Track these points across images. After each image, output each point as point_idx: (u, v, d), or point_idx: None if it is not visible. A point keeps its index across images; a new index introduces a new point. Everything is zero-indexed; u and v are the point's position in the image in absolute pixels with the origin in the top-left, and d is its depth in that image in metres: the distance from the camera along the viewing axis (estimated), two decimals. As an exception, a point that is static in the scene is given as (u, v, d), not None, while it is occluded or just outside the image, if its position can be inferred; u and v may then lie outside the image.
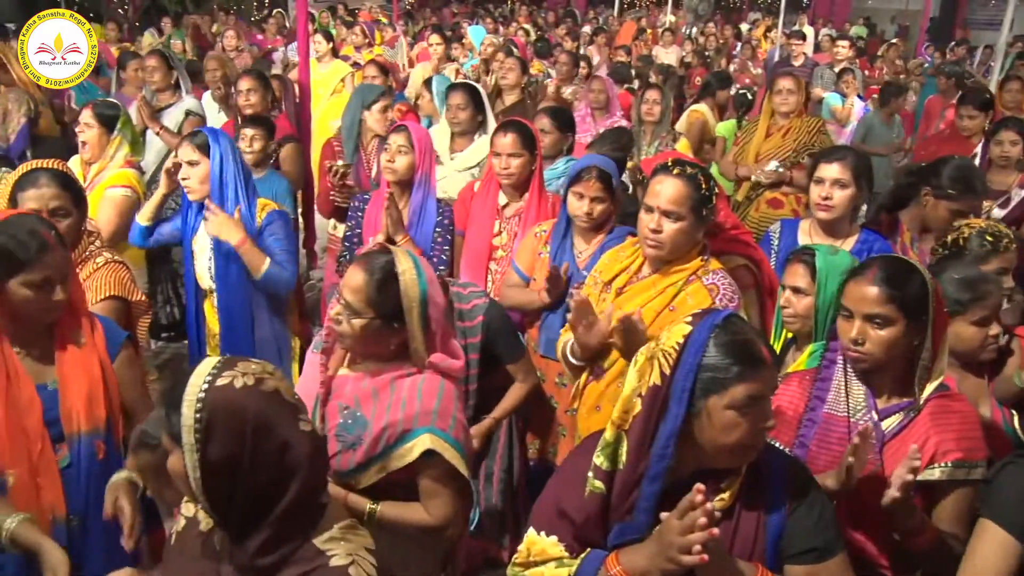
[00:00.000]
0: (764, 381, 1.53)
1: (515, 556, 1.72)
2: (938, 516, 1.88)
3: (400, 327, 1.98)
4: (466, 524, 2.30)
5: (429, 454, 1.95)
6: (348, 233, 3.59)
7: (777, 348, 2.58)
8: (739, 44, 13.09)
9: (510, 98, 5.68)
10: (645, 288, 2.48)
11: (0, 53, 5.80)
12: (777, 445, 1.87)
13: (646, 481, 1.54)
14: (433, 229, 3.42)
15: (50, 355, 2.14)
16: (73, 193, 2.62)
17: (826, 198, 3.01)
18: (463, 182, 4.06)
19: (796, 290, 2.41)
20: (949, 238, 2.74)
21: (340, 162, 3.97)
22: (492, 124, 4.30)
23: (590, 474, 1.60)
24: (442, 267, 3.39)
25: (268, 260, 3.10)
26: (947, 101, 6.70)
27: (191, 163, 3.11)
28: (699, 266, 2.45)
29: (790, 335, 2.57)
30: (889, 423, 1.93)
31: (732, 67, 10.32)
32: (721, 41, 12.97)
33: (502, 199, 3.48)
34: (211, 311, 3.28)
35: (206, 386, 1.35)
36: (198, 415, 1.34)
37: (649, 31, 13.47)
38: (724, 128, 6.01)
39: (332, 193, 3.90)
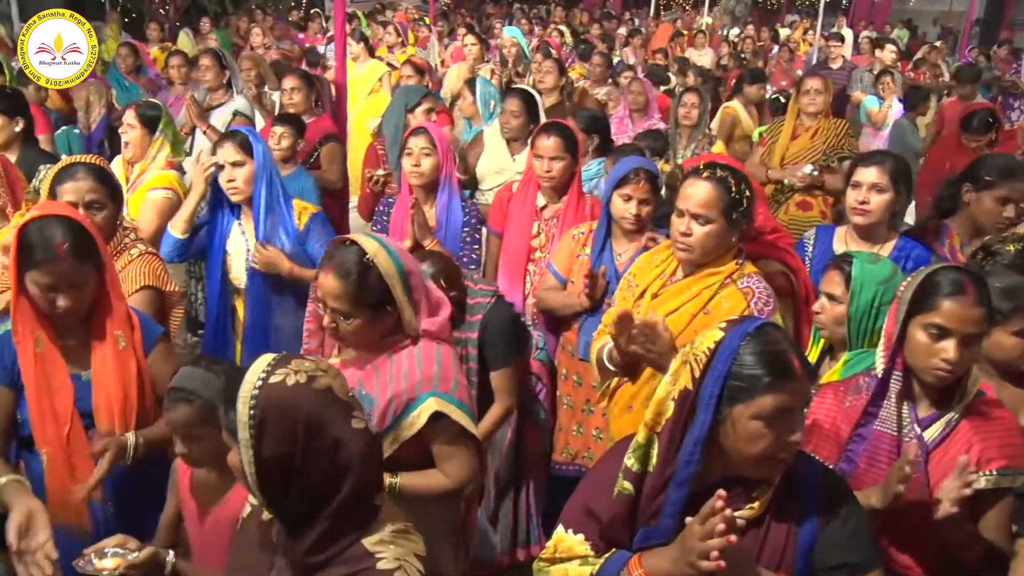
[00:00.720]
0: (793, 393, 1.50)
1: (543, 551, 1.73)
2: (983, 526, 1.85)
3: (393, 309, 2.02)
4: (479, 483, 2.36)
5: (437, 417, 2.01)
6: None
7: (813, 357, 2.55)
8: (776, 46, 12.96)
9: (548, 100, 5.67)
10: (679, 292, 2.46)
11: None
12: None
13: (672, 486, 1.54)
14: (461, 229, 3.43)
15: (86, 346, 2.20)
16: (109, 187, 2.70)
17: (863, 203, 2.96)
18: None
19: (830, 297, 2.37)
20: (991, 243, 2.69)
21: (380, 171, 4.00)
22: None
23: (620, 475, 1.61)
24: (472, 266, 3.40)
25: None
26: (966, 105, 6.54)
27: (236, 164, 3.10)
28: (734, 269, 2.42)
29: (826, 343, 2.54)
30: (931, 433, 1.90)
31: (768, 70, 10.20)
32: (758, 43, 12.85)
33: (540, 200, 3.49)
34: (243, 308, 3.31)
35: (260, 383, 1.37)
36: (252, 412, 1.35)
37: (685, 33, 13.37)
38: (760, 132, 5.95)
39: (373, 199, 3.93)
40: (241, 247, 3.20)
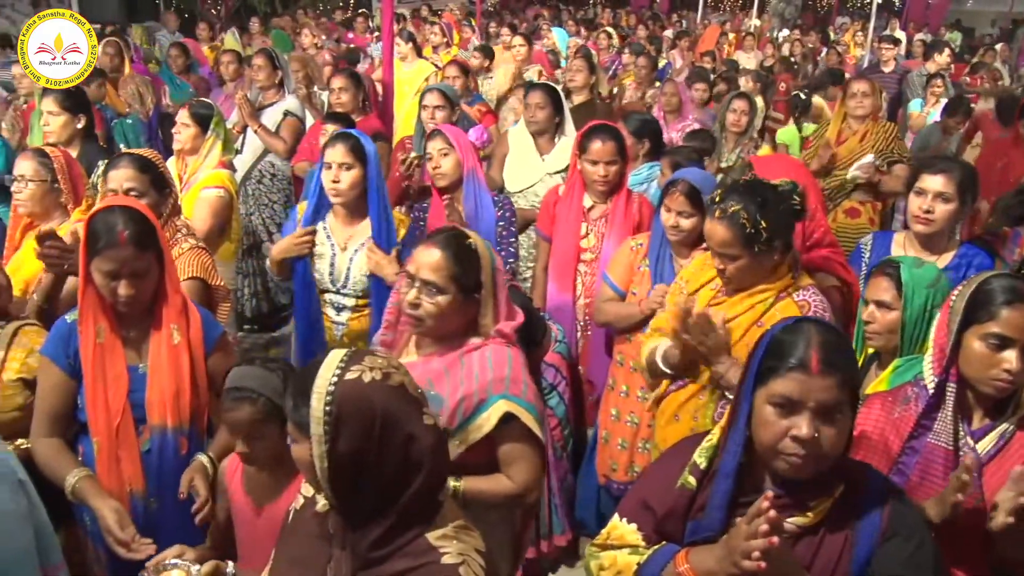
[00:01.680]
0: (802, 385, 1.48)
1: (596, 537, 1.77)
2: None
3: (477, 298, 2.03)
4: (541, 489, 2.33)
5: (507, 419, 1.98)
6: (407, 237, 3.60)
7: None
8: (825, 49, 12.76)
9: (578, 99, 5.71)
10: (733, 305, 2.41)
11: (125, 49, 6.12)
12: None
13: (719, 477, 1.57)
14: (496, 222, 3.42)
15: (146, 339, 2.24)
16: (151, 176, 2.78)
17: (927, 211, 2.86)
18: (555, 182, 4.08)
19: (880, 304, 2.32)
20: None
21: (412, 154, 4.04)
22: (570, 125, 4.33)
23: (687, 470, 1.64)
24: (511, 260, 3.40)
25: None
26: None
27: (343, 166, 3.03)
28: (788, 284, 2.37)
29: (871, 351, 2.48)
30: (984, 445, 1.85)
31: (818, 73, 10.05)
32: (808, 46, 12.67)
33: (587, 202, 3.48)
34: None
35: (335, 379, 1.38)
36: (328, 408, 1.36)
37: (733, 35, 13.24)
38: (786, 134, 5.88)
39: (404, 183, 3.95)
40: (327, 251, 3.13)
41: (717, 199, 2.32)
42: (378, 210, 3.06)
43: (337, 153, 3.03)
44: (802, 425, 1.47)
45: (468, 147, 3.48)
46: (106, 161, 3.80)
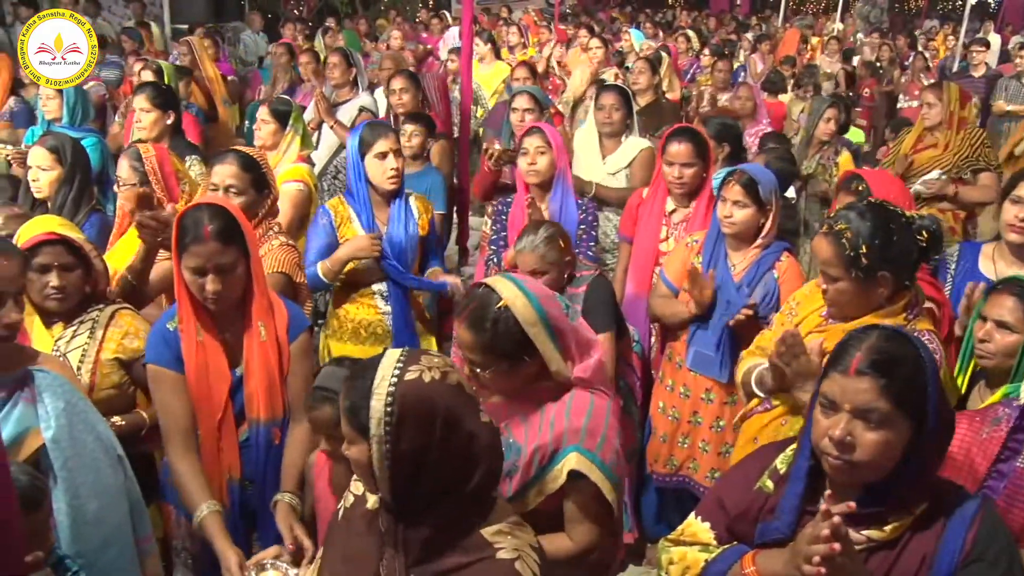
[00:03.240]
0: (840, 386, 1.51)
1: (672, 532, 1.78)
2: None
3: (531, 358, 1.87)
4: (615, 549, 2.17)
5: (576, 475, 1.84)
6: (494, 236, 3.68)
7: (962, 385, 2.39)
8: (912, 54, 12.35)
9: (643, 100, 5.67)
10: (836, 334, 2.24)
11: (196, 48, 6.32)
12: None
13: (791, 481, 1.58)
14: (577, 226, 3.44)
15: (240, 341, 2.31)
16: (253, 176, 2.85)
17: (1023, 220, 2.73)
18: (616, 183, 4.07)
19: (1001, 324, 2.19)
20: None
21: (497, 145, 4.06)
22: (637, 128, 4.34)
23: (766, 474, 1.65)
24: (591, 263, 3.41)
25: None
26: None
27: (398, 152, 3.22)
28: (903, 323, 2.18)
29: (977, 368, 2.37)
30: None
31: (904, 79, 9.74)
32: (893, 52, 12.27)
33: (670, 205, 3.48)
34: (360, 300, 3.40)
35: (395, 379, 1.39)
36: (388, 408, 1.37)
37: (816, 39, 12.92)
38: (854, 135, 5.71)
39: (494, 177, 4.02)
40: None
41: (827, 220, 2.24)
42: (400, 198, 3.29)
43: (391, 142, 3.23)
44: (836, 425, 1.48)
45: (563, 148, 3.53)
46: (196, 157, 3.98)
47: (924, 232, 2.16)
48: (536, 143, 3.46)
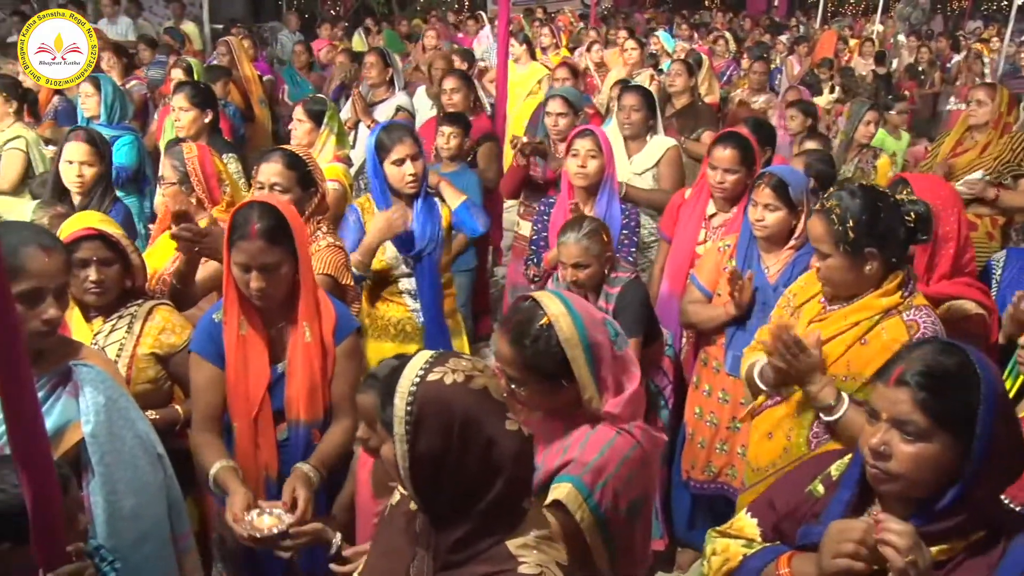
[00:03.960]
0: (879, 396, 1.51)
1: (722, 525, 1.80)
2: None
3: (569, 382, 1.80)
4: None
5: (558, 504, 1.75)
6: (535, 236, 3.68)
7: (1011, 391, 2.34)
8: (955, 56, 12.13)
9: (680, 102, 5.64)
10: (837, 320, 2.33)
11: (235, 48, 6.40)
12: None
13: (841, 487, 1.57)
14: (620, 231, 3.43)
15: (285, 339, 2.32)
16: (298, 174, 2.86)
17: None
18: (643, 183, 4.05)
19: None
20: None
21: (525, 137, 4.06)
22: (660, 127, 4.33)
23: (819, 478, 1.64)
24: (629, 265, 3.40)
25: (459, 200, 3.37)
26: None
27: (414, 157, 3.18)
28: (898, 302, 2.25)
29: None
30: None
31: (959, 81, 9.56)
32: (932, 54, 12.07)
33: (711, 208, 3.46)
34: (389, 298, 3.40)
35: (418, 380, 1.38)
36: (409, 408, 1.37)
37: (854, 41, 12.74)
38: (897, 145, 5.58)
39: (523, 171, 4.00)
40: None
41: (824, 199, 2.31)
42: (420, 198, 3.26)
43: (408, 147, 3.18)
44: (875, 434, 1.49)
45: (611, 154, 3.53)
46: (233, 155, 4.02)
47: (913, 214, 2.25)
48: (588, 146, 3.45)
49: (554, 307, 1.79)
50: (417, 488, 1.41)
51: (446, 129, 4.29)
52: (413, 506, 1.53)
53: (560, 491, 1.75)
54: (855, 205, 2.21)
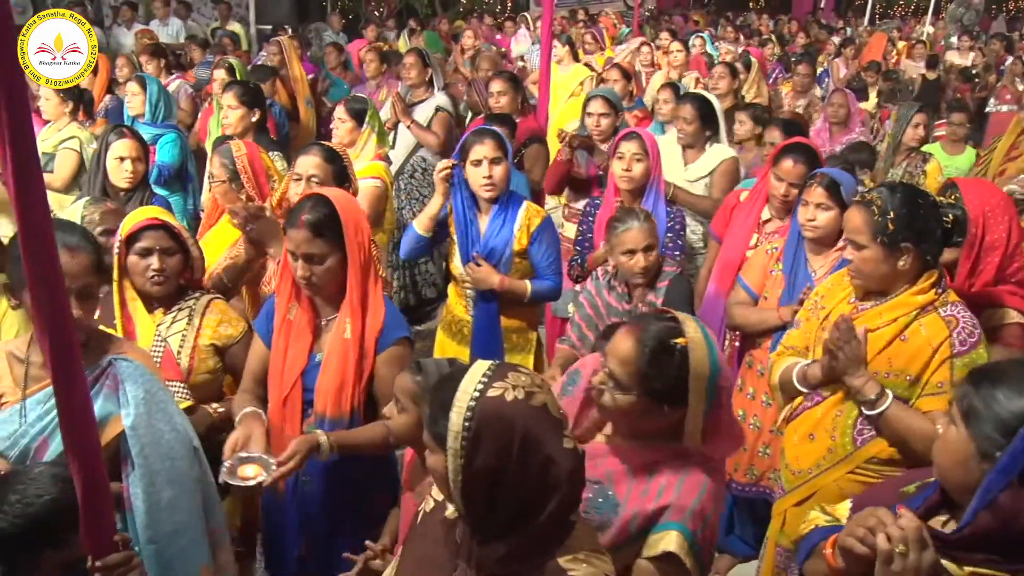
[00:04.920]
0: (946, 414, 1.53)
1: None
2: None
3: (671, 409, 1.73)
4: None
5: (670, 555, 1.71)
6: (579, 238, 3.67)
7: None
8: (1009, 58, 11.83)
9: (723, 105, 5.52)
10: (873, 317, 2.31)
11: (285, 49, 6.50)
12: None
13: (925, 488, 1.56)
14: (665, 233, 3.41)
15: (329, 331, 2.36)
16: (334, 168, 2.99)
17: None
18: (696, 190, 4.01)
19: None
20: None
21: (570, 129, 4.05)
22: (724, 136, 4.28)
23: (917, 482, 1.64)
24: (674, 267, 3.38)
25: (529, 285, 3.16)
26: None
27: (495, 160, 3.10)
28: (932, 299, 2.25)
29: None
30: None
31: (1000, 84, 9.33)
32: (986, 56, 11.79)
33: (765, 214, 3.43)
34: (455, 298, 3.39)
35: (477, 395, 1.35)
36: (467, 423, 1.34)
37: (903, 44, 12.49)
38: (964, 160, 5.37)
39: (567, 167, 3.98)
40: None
41: (868, 188, 2.34)
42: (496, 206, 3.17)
43: (487, 149, 3.10)
44: None
45: (658, 157, 3.51)
46: (278, 153, 4.08)
47: (950, 216, 2.31)
48: (633, 149, 3.43)
49: (694, 332, 1.74)
50: (469, 504, 1.38)
51: None
52: (450, 514, 1.51)
53: (670, 541, 1.71)
54: (896, 199, 2.24)
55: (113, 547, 1.61)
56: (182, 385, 2.38)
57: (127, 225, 2.44)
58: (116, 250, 2.44)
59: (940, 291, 2.26)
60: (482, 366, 1.41)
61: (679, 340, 1.72)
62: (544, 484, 1.36)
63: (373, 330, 2.31)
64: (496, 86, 4.96)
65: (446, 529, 1.53)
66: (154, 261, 2.41)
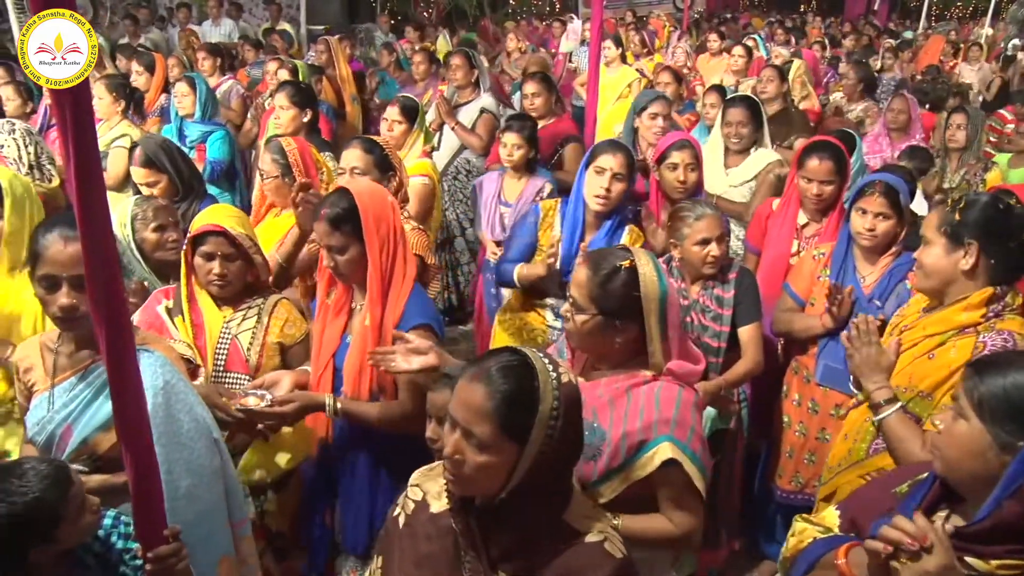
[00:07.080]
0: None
1: (809, 513, 1.84)
2: None
3: (623, 324, 1.90)
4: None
5: (670, 463, 1.85)
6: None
7: None
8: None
9: (771, 109, 5.47)
10: (919, 329, 2.25)
11: (332, 50, 6.58)
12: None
13: (920, 485, 1.55)
14: None
15: (359, 316, 2.45)
16: (375, 158, 3.13)
17: None
18: (739, 196, 3.96)
19: None
20: None
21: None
22: (766, 138, 4.23)
23: (909, 482, 1.63)
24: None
25: None
26: None
27: (618, 177, 3.09)
28: (978, 321, 2.12)
29: None
30: None
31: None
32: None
33: (802, 218, 3.39)
34: (526, 304, 3.39)
35: (556, 382, 1.43)
36: (554, 411, 1.41)
37: (961, 45, 12.19)
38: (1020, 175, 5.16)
39: None
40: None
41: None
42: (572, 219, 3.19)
43: (614, 162, 3.07)
44: None
45: (703, 162, 3.49)
46: (329, 153, 4.13)
47: None
48: (687, 159, 3.38)
49: (644, 259, 1.92)
50: (522, 484, 1.41)
51: (507, 138, 4.18)
52: (436, 510, 1.55)
53: (664, 450, 1.85)
54: (977, 199, 2.16)
55: (163, 539, 1.64)
56: (248, 379, 2.49)
57: (195, 225, 2.55)
58: (184, 247, 2.56)
59: (990, 314, 2.11)
60: (535, 354, 1.46)
61: (626, 262, 1.90)
62: (578, 449, 1.52)
63: (393, 319, 2.38)
64: (530, 87, 4.94)
65: (439, 524, 1.55)
66: (215, 266, 2.49)
